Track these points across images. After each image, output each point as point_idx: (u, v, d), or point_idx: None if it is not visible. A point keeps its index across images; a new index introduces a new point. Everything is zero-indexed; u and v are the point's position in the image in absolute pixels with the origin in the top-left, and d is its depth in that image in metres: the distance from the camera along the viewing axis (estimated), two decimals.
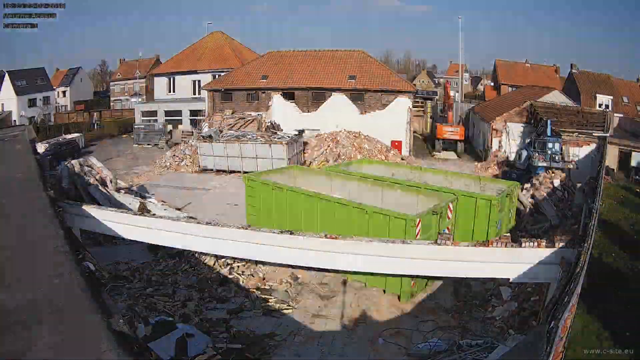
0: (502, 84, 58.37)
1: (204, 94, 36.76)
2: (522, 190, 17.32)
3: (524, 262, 8.98)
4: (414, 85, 46.08)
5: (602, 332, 9.70)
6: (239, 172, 24.92)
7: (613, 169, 26.48)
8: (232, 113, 33.59)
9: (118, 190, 16.83)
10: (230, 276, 12.91)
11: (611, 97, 42.05)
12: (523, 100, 30.60)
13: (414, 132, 35.63)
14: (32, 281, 5.85)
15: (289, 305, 11.45)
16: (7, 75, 55.38)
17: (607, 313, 10.32)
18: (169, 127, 38.44)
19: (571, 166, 22.08)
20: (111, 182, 16.80)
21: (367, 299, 11.86)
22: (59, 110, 64.11)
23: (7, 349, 4.48)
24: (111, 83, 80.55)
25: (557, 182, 18.54)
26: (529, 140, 25.61)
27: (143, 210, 14.98)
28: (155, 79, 46.32)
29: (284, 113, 33.30)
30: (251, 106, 34.32)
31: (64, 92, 71.10)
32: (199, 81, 41.38)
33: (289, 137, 26.98)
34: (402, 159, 29.07)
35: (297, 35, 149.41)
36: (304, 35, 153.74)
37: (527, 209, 17.05)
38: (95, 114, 56.94)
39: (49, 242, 7.17)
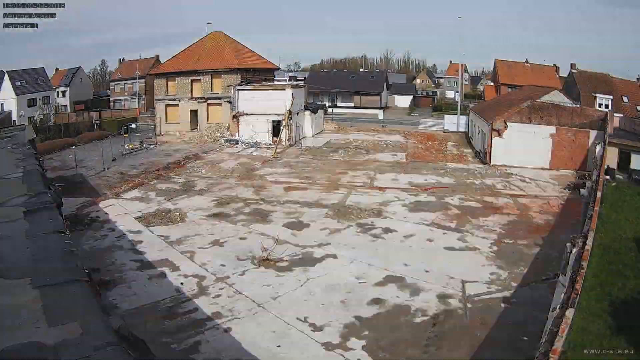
0: (502, 84, 58.40)
1: None
2: None
3: None
4: None
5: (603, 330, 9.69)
6: None
7: (613, 169, 26.46)
8: None
9: None
10: None
11: (611, 97, 42.04)
12: (523, 100, 30.59)
13: None
14: None
15: None
16: (7, 75, 55.40)
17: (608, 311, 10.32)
18: None
19: None
20: None
21: None
22: (59, 110, 64.10)
23: None
24: (111, 83, 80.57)
25: None
26: None
27: None
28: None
29: None
30: None
31: (63, 92, 71.11)
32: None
33: None
34: None
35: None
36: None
37: None
38: (94, 114, 56.91)
39: None
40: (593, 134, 27.12)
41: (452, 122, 44.97)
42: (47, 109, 56.87)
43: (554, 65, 61.44)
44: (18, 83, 55.76)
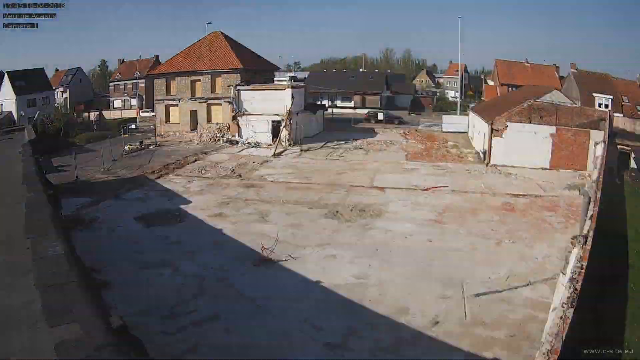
0: (502, 84, 58.33)
1: None
2: None
3: None
4: None
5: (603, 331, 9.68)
6: None
7: (613, 168, 26.44)
8: None
9: None
10: None
11: (611, 97, 41.97)
12: (523, 100, 30.54)
13: None
14: None
15: None
16: (6, 75, 55.32)
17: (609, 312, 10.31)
18: None
19: None
20: None
21: None
22: (59, 110, 63.95)
23: None
24: (111, 83, 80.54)
25: None
26: None
27: None
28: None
29: None
30: None
31: (63, 92, 71.03)
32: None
33: None
34: None
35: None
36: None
37: None
38: (94, 114, 56.83)
39: None
40: (593, 134, 27.11)
41: (451, 123, 44.85)
42: (47, 110, 56.73)
43: (554, 65, 61.36)
44: (18, 83, 55.66)
